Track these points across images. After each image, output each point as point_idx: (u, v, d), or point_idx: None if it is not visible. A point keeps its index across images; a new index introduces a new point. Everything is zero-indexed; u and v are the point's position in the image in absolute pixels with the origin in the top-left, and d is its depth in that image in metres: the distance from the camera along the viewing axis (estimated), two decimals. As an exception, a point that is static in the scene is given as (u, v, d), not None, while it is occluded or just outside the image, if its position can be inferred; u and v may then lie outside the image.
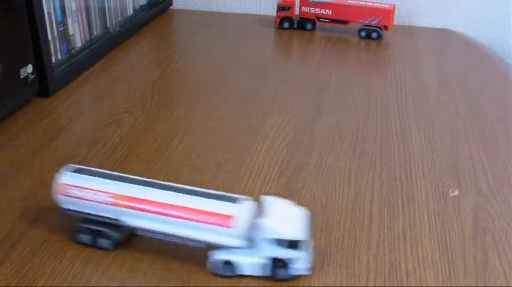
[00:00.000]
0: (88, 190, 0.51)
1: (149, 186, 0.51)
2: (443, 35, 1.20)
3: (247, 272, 0.50)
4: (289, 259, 0.49)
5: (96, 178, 0.52)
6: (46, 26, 0.83)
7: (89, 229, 0.53)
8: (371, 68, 0.99)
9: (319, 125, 0.78)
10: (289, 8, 1.18)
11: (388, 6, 1.14)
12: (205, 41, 1.12)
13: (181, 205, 0.49)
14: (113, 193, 0.51)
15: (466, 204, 0.61)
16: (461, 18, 1.26)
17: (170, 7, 1.36)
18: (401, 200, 0.61)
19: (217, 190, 0.62)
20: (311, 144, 0.73)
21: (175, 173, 0.66)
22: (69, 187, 0.52)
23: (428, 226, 0.57)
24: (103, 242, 0.53)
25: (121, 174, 0.53)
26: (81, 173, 0.52)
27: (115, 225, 0.52)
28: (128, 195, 0.50)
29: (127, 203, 0.50)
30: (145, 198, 0.50)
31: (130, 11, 1.14)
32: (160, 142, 0.73)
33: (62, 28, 0.89)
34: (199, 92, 0.88)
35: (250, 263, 0.49)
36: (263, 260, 0.49)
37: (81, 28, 0.95)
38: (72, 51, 0.93)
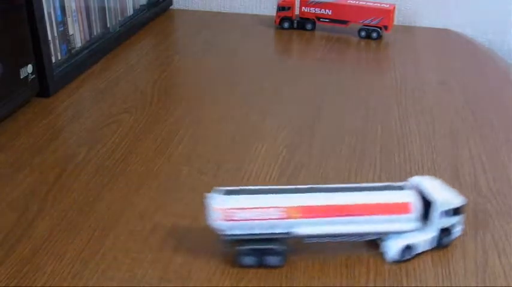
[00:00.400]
0: (256, 210, 0.49)
1: (314, 192, 0.50)
2: (443, 35, 1.20)
3: (420, 250, 0.53)
4: (453, 225, 0.53)
5: (258, 195, 0.50)
6: (46, 26, 0.83)
7: (253, 249, 0.50)
8: (371, 68, 0.99)
9: (319, 125, 0.78)
10: (289, 8, 1.18)
11: (388, 6, 1.14)
12: (205, 41, 1.12)
13: (358, 203, 0.50)
14: (283, 207, 0.49)
15: (466, 204, 0.61)
16: (461, 18, 1.26)
17: (170, 7, 1.35)
18: (401, 200, 0.61)
19: (217, 190, 0.63)
20: (311, 144, 0.73)
21: (176, 173, 0.66)
22: (234, 210, 0.49)
23: (428, 226, 0.57)
24: (272, 259, 0.51)
25: (275, 187, 0.51)
26: (236, 194, 0.50)
27: (279, 239, 0.50)
28: (301, 205, 0.49)
29: (300, 214, 0.49)
30: (319, 204, 0.49)
31: (130, 11, 1.14)
32: (160, 142, 0.73)
33: (62, 28, 0.89)
34: (199, 92, 0.88)
35: (424, 240, 0.52)
36: (433, 234, 0.53)
37: (81, 28, 0.95)
38: (72, 51, 0.93)
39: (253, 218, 0.49)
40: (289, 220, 0.49)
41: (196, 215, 0.58)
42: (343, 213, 0.50)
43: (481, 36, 1.27)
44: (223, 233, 0.50)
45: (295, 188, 0.51)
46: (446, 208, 0.52)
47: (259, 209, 0.49)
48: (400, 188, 0.52)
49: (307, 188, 0.51)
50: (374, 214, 0.50)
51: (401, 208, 0.51)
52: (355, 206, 0.50)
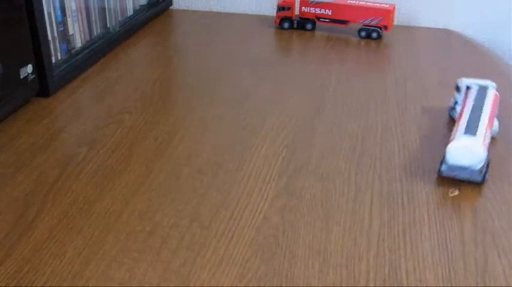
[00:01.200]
0: None
1: None
2: (443, 35, 1.20)
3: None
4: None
5: None
6: (46, 26, 0.83)
7: None
8: (371, 68, 0.99)
9: (319, 125, 0.78)
10: (289, 8, 1.19)
11: (388, 6, 1.14)
12: (205, 41, 1.12)
13: None
14: None
15: (466, 204, 0.61)
16: (461, 18, 1.26)
17: (170, 7, 1.36)
18: (401, 200, 0.62)
19: (217, 190, 0.63)
20: (311, 144, 0.73)
21: (175, 173, 0.66)
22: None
23: (428, 226, 0.57)
24: None
25: None
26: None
27: None
28: None
29: None
30: None
31: (130, 11, 1.14)
32: (160, 142, 0.73)
33: (62, 28, 0.89)
34: (199, 92, 0.88)
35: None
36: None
37: (81, 28, 0.95)
38: (72, 51, 0.93)
39: None
40: None
41: (196, 215, 0.58)
42: None
43: (481, 36, 1.27)
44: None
45: None
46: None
47: None
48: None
49: None
50: None
51: None
52: None
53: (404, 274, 0.51)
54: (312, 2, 1.17)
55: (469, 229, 0.57)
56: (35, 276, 0.50)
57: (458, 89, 0.78)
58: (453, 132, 0.67)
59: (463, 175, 0.64)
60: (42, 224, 0.57)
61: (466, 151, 0.63)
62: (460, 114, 0.70)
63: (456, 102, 0.79)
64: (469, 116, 0.68)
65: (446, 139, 0.75)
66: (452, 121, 0.80)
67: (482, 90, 0.73)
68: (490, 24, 1.26)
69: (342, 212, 0.59)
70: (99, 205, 0.60)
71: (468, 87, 0.76)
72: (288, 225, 0.57)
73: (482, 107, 0.70)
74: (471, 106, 0.70)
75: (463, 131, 0.66)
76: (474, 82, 0.76)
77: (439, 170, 0.65)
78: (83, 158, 0.69)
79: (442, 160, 0.66)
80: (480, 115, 0.68)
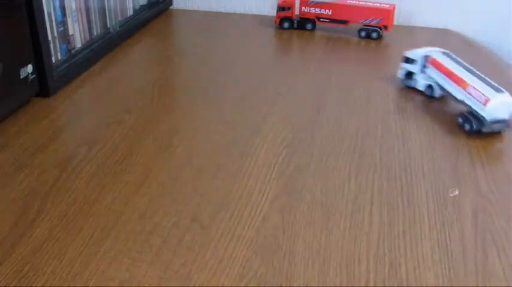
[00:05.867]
0: None
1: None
2: (443, 35, 1.20)
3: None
4: None
5: None
6: (46, 26, 0.83)
7: None
8: (371, 68, 0.99)
9: (319, 125, 0.78)
10: (289, 8, 1.19)
11: (388, 6, 1.14)
12: (205, 41, 1.12)
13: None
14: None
15: (466, 204, 0.61)
16: (461, 18, 1.26)
17: (170, 7, 1.36)
18: (401, 200, 0.62)
19: (217, 190, 0.63)
20: (311, 144, 0.73)
21: (175, 173, 0.66)
22: None
23: (428, 226, 0.57)
24: None
25: None
26: None
27: None
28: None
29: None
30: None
31: (130, 11, 1.14)
32: (160, 142, 0.73)
33: (62, 28, 0.89)
34: (199, 92, 0.88)
35: None
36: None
37: (81, 28, 0.95)
38: (72, 51, 0.93)
39: None
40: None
41: (196, 215, 0.58)
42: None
43: (481, 36, 1.27)
44: None
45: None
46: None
47: None
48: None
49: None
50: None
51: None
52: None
53: (404, 274, 0.51)
54: (312, 2, 1.17)
55: (469, 229, 0.57)
56: (35, 276, 0.50)
57: (408, 60, 0.89)
58: (477, 94, 0.75)
59: (499, 127, 0.75)
60: (42, 224, 0.57)
61: (503, 105, 0.74)
62: (457, 77, 0.79)
63: (411, 73, 0.89)
64: (477, 77, 0.78)
65: (447, 138, 0.75)
66: (416, 91, 0.90)
67: (447, 55, 0.86)
68: (490, 24, 1.26)
69: (342, 212, 0.59)
70: (99, 205, 0.60)
71: (427, 56, 0.86)
72: (288, 225, 0.57)
73: (472, 69, 0.81)
74: (462, 68, 0.81)
75: (493, 90, 0.75)
76: (428, 50, 0.88)
77: (477, 130, 0.75)
78: (83, 158, 0.69)
79: (476, 120, 0.75)
80: (482, 76, 0.79)
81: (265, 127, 0.77)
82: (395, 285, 0.50)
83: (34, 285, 0.49)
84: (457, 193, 0.63)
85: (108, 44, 1.03)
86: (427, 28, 1.25)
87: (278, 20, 1.20)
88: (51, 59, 0.85)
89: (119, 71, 0.96)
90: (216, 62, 1.00)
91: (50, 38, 0.85)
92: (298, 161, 0.69)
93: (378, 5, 1.14)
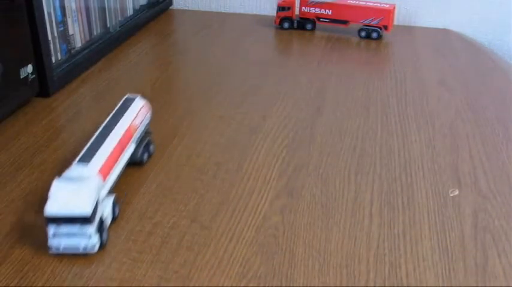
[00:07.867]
0: None
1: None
2: (443, 35, 1.20)
3: None
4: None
5: None
6: (46, 26, 0.83)
7: None
8: (371, 68, 0.99)
9: (319, 125, 0.78)
10: (289, 8, 1.19)
11: (388, 6, 1.14)
12: (205, 41, 1.12)
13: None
14: None
15: (466, 204, 0.61)
16: (461, 18, 1.26)
17: (170, 7, 1.36)
18: (401, 200, 0.62)
19: (217, 190, 0.63)
20: (311, 144, 0.73)
21: (176, 173, 0.66)
22: None
23: (428, 226, 0.57)
24: None
25: None
26: None
27: None
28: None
29: None
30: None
31: (130, 11, 1.14)
32: (161, 142, 0.73)
33: (62, 28, 0.89)
34: (199, 92, 0.88)
35: None
36: None
37: (81, 28, 0.95)
38: (72, 51, 0.93)
39: None
40: None
41: (196, 215, 0.58)
42: None
43: (481, 36, 1.27)
44: None
45: None
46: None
47: None
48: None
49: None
50: None
51: None
52: None
53: (404, 274, 0.51)
54: (312, 2, 1.17)
55: (469, 229, 0.57)
56: (35, 276, 0.50)
57: None
58: None
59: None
60: (42, 224, 0.57)
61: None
62: None
63: None
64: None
65: (447, 138, 0.75)
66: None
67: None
68: (490, 24, 1.26)
69: (342, 212, 0.59)
70: (99, 205, 0.60)
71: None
72: (288, 225, 0.57)
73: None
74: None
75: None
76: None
77: None
78: (83, 158, 0.69)
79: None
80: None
81: (265, 127, 0.77)
82: (395, 285, 0.50)
83: (34, 285, 0.49)
84: (457, 193, 0.63)
85: (108, 44, 1.03)
86: (427, 28, 1.25)
87: (278, 20, 1.20)
88: (51, 59, 0.85)
89: (119, 71, 0.96)
90: (215, 62, 1.00)
91: (50, 38, 0.85)
92: (298, 161, 0.69)
93: (378, 5, 1.14)
